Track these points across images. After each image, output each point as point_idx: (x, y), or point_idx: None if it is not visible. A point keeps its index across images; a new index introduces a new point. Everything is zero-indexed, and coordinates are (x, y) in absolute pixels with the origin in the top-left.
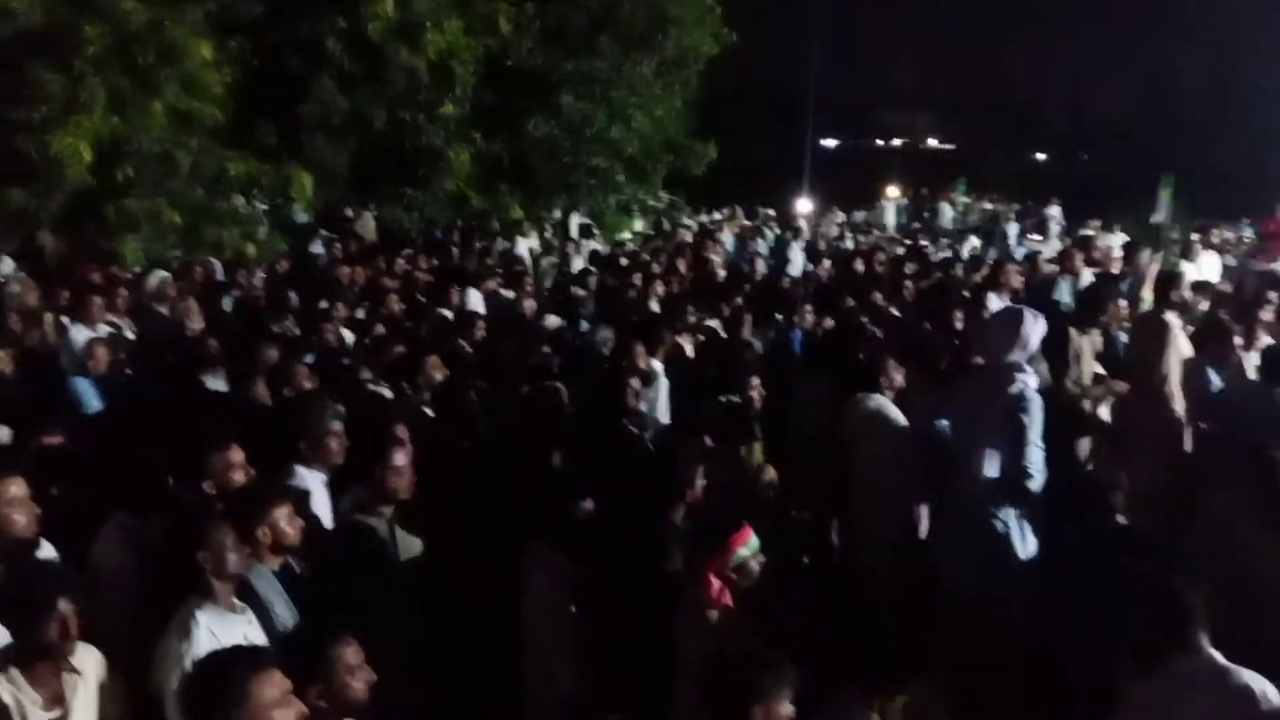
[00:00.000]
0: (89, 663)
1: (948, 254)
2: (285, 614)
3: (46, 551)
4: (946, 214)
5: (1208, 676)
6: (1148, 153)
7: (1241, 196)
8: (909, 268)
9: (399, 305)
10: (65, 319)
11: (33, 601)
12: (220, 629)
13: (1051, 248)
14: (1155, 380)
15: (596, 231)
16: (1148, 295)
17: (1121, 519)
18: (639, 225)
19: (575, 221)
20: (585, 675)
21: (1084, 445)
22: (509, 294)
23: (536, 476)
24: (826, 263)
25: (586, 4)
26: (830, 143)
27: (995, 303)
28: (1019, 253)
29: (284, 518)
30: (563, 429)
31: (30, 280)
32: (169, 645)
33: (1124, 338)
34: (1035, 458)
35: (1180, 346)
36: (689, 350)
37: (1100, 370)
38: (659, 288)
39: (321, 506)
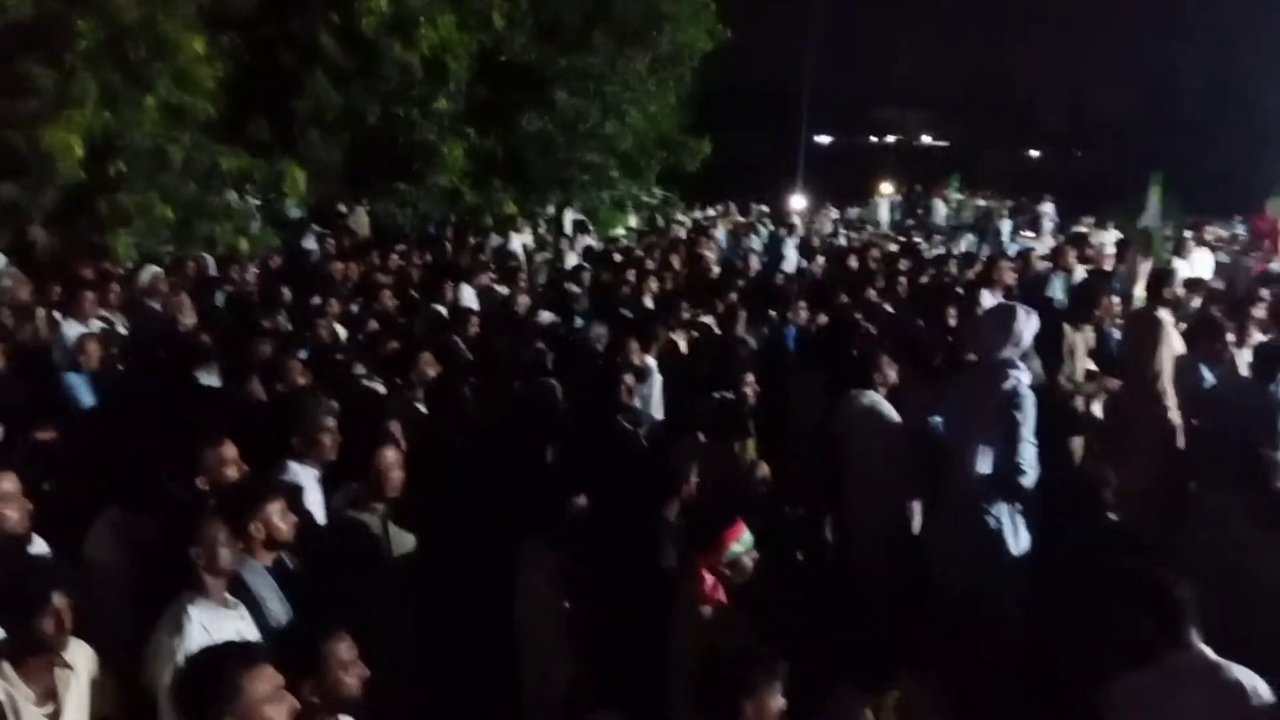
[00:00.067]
0: (80, 658)
1: (941, 251)
2: (278, 609)
3: (39, 547)
4: (940, 211)
5: (1199, 671)
6: (1143, 151)
7: (1237, 195)
8: (903, 264)
9: (392, 301)
10: (57, 314)
11: (26, 596)
12: (213, 624)
13: (1045, 244)
14: (1148, 377)
15: (590, 227)
16: (1140, 292)
17: (1112, 516)
18: (633, 221)
19: (569, 217)
20: (581, 672)
21: (1076, 442)
22: (503, 290)
23: (531, 473)
24: (820, 259)
25: None
26: (824, 139)
27: (988, 299)
28: (1012, 249)
29: (277, 513)
30: (557, 425)
31: (22, 275)
32: (161, 640)
33: (1117, 334)
34: (1028, 454)
35: (1173, 343)
36: (683, 347)
37: (1093, 367)
38: (653, 284)
39: (314, 502)
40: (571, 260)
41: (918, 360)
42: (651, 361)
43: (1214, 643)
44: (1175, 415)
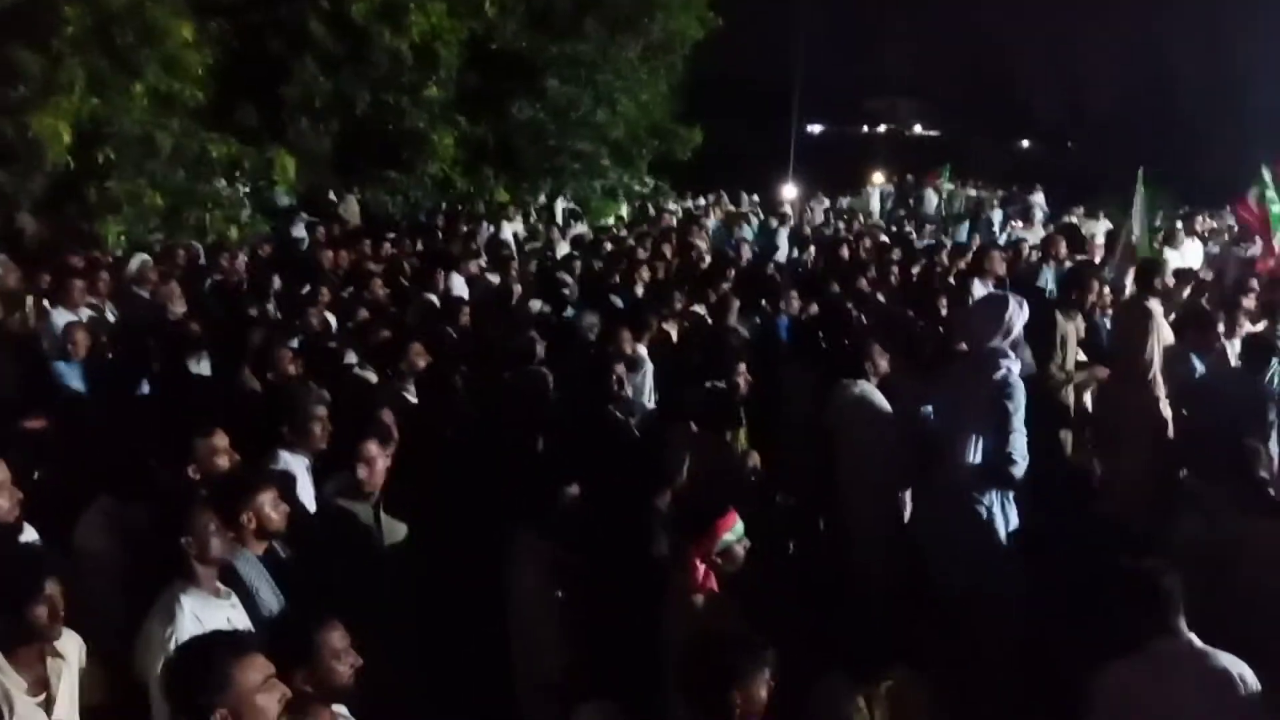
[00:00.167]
0: (71, 647)
1: (932, 241)
2: (270, 599)
3: (29, 535)
4: (931, 201)
5: (1187, 659)
6: (1134, 142)
7: (1228, 186)
8: (894, 254)
9: (383, 289)
10: (46, 302)
11: (18, 585)
12: (204, 614)
13: (1035, 235)
14: (1138, 367)
15: (582, 216)
16: (1130, 283)
17: (1098, 506)
18: (624, 210)
19: (560, 206)
20: (573, 661)
21: (1066, 433)
22: (494, 278)
23: (522, 462)
24: (812, 249)
25: None
26: (816, 128)
27: (979, 289)
28: (1002, 240)
29: (268, 503)
30: (548, 414)
31: (11, 263)
32: (152, 630)
33: (1108, 325)
34: (1019, 444)
35: (1163, 334)
36: (674, 336)
37: (1083, 357)
38: (644, 273)
39: (305, 491)
40: (563, 249)
41: (909, 350)
42: (643, 351)
43: (1201, 631)
44: (1165, 405)
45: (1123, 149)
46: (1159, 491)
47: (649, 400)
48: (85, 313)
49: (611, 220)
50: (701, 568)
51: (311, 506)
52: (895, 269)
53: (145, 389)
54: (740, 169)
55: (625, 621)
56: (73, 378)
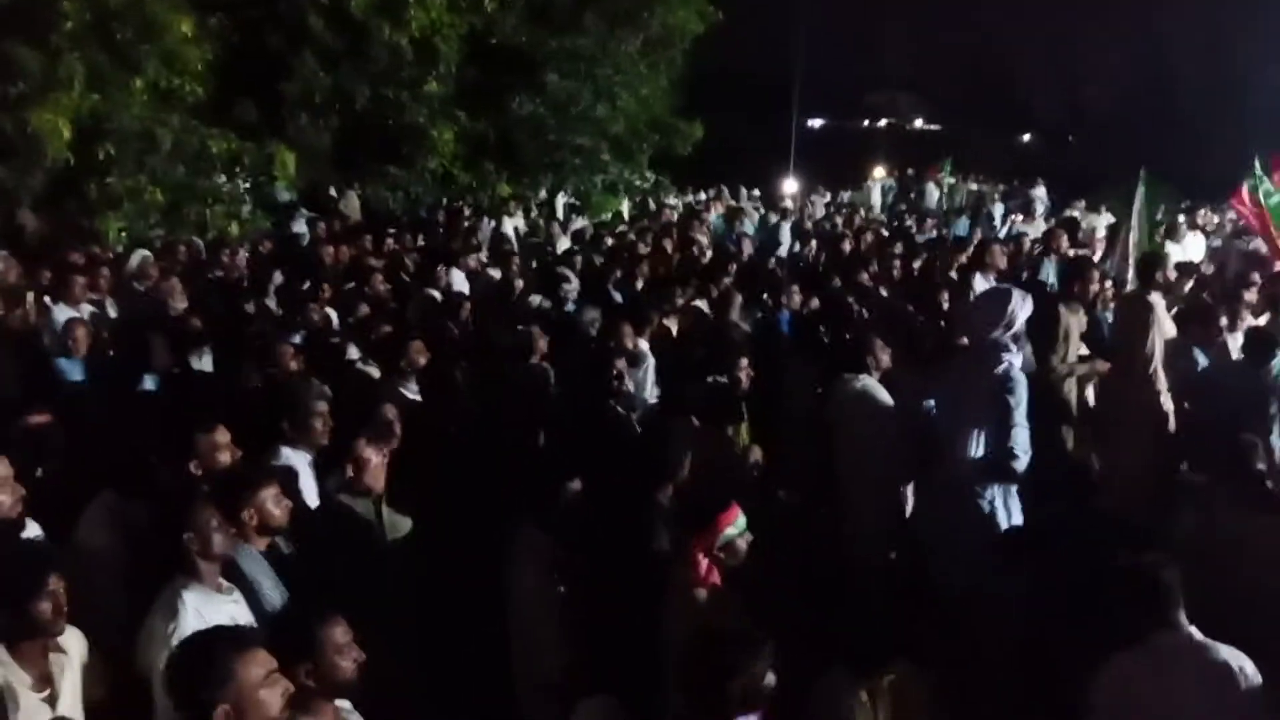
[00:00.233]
0: (73, 642)
1: (933, 235)
2: (273, 594)
3: (32, 531)
4: (932, 195)
5: (1187, 652)
6: (1135, 135)
7: (1230, 179)
8: (896, 248)
9: (384, 285)
10: (47, 298)
11: (22, 580)
12: (207, 609)
13: (1037, 229)
14: (1138, 361)
15: (583, 211)
16: (1131, 277)
17: (1098, 500)
18: (625, 207)
19: (561, 201)
20: (573, 657)
21: (1067, 427)
22: (495, 273)
23: (523, 458)
24: (813, 243)
25: None
26: (816, 123)
27: (980, 283)
28: (1003, 234)
29: (270, 499)
30: (549, 410)
31: (12, 259)
32: (155, 625)
33: (1109, 318)
34: (1021, 438)
35: (1164, 327)
36: (675, 331)
37: (1085, 351)
38: (645, 268)
39: (308, 487)
40: (563, 244)
41: (910, 344)
42: (644, 346)
43: (1201, 626)
44: (1166, 399)
45: (1123, 143)
46: (1159, 486)
47: (650, 395)
48: (86, 309)
49: (612, 215)
50: (704, 562)
51: (315, 502)
52: (896, 263)
53: (148, 385)
54: (741, 164)
55: (626, 618)
56: (74, 374)
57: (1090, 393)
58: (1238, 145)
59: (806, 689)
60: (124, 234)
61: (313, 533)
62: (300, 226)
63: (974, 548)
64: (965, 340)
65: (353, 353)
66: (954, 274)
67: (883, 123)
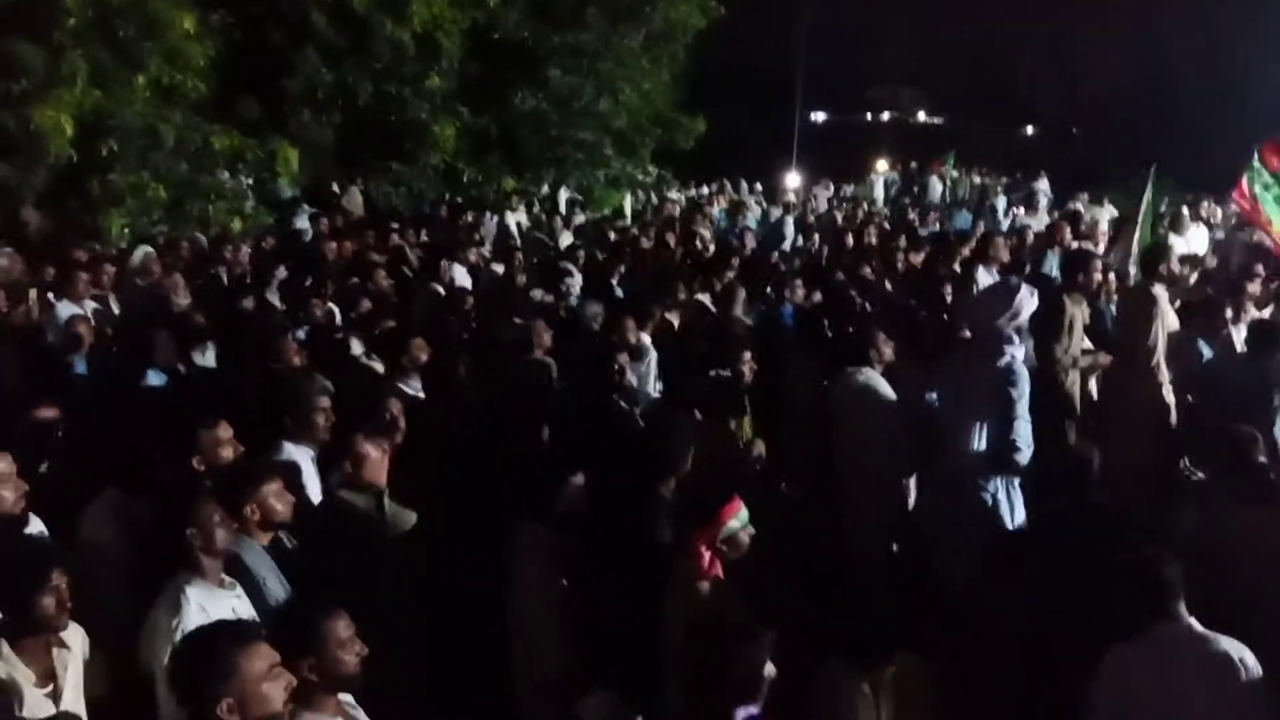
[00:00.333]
0: (75, 638)
1: (936, 228)
2: (277, 589)
3: (35, 527)
4: (936, 188)
5: (1188, 643)
6: (1137, 127)
7: (1232, 172)
8: (900, 242)
9: (387, 280)
10: (50, 295)
11: (25, 576)
12: (210, 604)
13: (1040, 221)
14: (1141, 354)
15: (585, 206)
16: (1135, 270)
17: (1095, 494)
18: (628, 202)
19: (564, 196)
20: (574, 651)
21: (1070, 420)
22: (498, 268)
23: (526, 453)
24: (816, 237)
25: None
26: (819, 117)
27: (984, 276)
28: (1006, 226)
29: (273, 494)
30: (552, 405)
31: (16, 255)
32: (158, 621)
33: (1113, 310)
34: (1023, 431)
35: (1167, 319)
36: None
37: (1088, 344)
38: (649, 262)
39: (310, 483)
40: (566, 239)
41: (913, 338)
42: (647, 340)
43: (1203, 618)
44: (1168, 392)
45: (1125, 135)
46: (1160, 480)
47: (653, 389)
48: (90, 305)
49: (613, 211)
50: (706, 555)
51: (317, 498)
52: (900, 256)
53: (151, 381)
54: (743, 158)
55: (629, 612)
56: (80, 370)
57: (1093, 385)
58: (1239, 138)
59: (808, 681)
60: (127, 230)
61: (314, 528)
62: (303, 222)
63: (976, 541)
64: (968, 333)
65: (356, 348)
66: (957, 267)
67: (885, 116)
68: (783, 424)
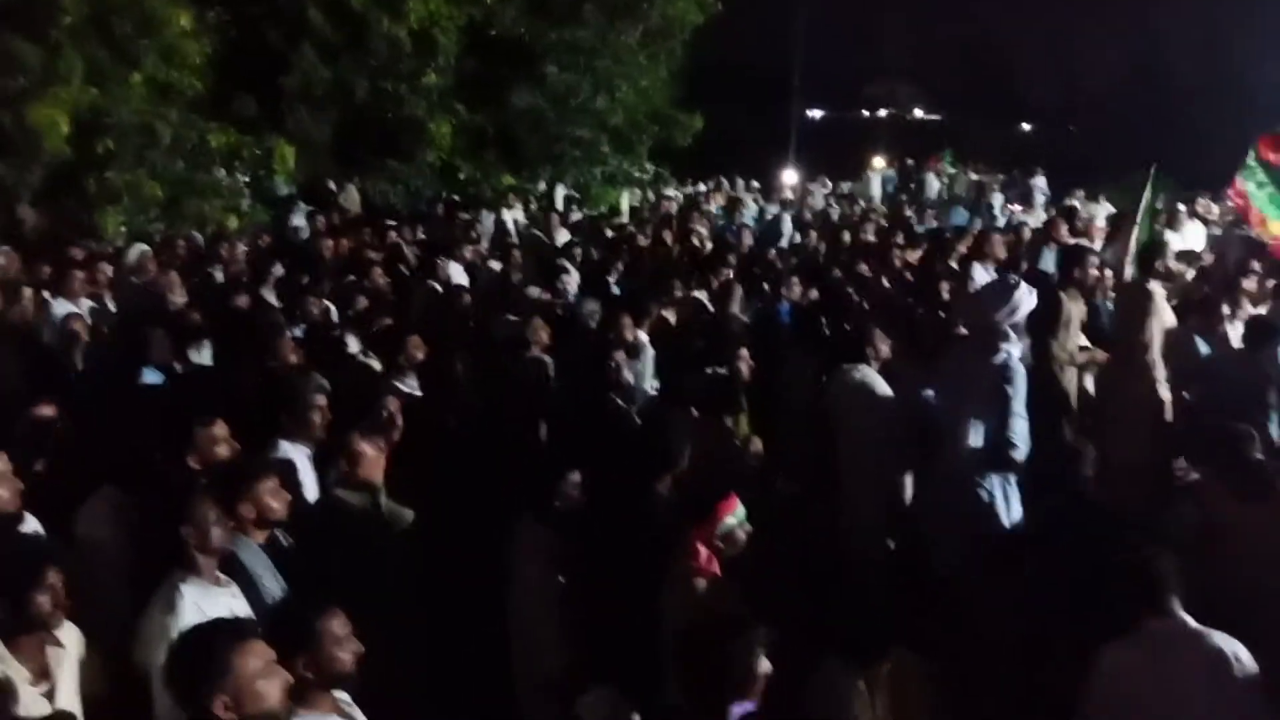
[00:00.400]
0: (70, 637)
1: (934, 225)
2: (273, 587)
3: (31, 525)
4: (933, 185)
5: (1182, 639)
6: (1134, 124)
7: (1229, 168)
8: (898, 238)
9: (383, 278)
10: (46, 293)
11: (21, 574)
12: (205, 603)
13: (1036, 218)
14: (1137, 351)
15: (582, 203)
16: (1132, 268)
17: (1090, 491)
18: (626, 199)
19: (560, 193)
20: (573, 648)
21: (1067, 417)
22: (496, 265)
23: (523, 451)
24: (814, 234)
25: None
26: (816, 114)
27: (980, 273)
28: (1002, 223)
29: (268, 492)
30: (549, 403)
31: (13, 253)
32: (154, 619)
33: (1109, 307)
34: (1019, 428)
35: (1163, 316)
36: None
37: (1084, 341)
38: (646, 259)
39: (307, 481)
40: (563, 236)
41: (910, 335)
42: (644, 337)
43: (1199, 615)
44: (1164, 389)
45: (1123, 132)
46: (1157, 476)
47: (650, 387)
48: (86, 304)
49: (609, 208)
50: (703, 552)
51: (314, 496)
52: (897, 254)
53: (147, 379)
54: (740, 155)
55: (627, 609)
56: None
57: (1090, 382)
58: (1236, 134)
59: (804, 678)
60: (123, 228)
61: (310, 526)
62: (299, 220)
63: (974, 537)
64: (964, 330)
65: (353, 345)
66: (954, 264)
67: (882, 113)
68: (780, 421)
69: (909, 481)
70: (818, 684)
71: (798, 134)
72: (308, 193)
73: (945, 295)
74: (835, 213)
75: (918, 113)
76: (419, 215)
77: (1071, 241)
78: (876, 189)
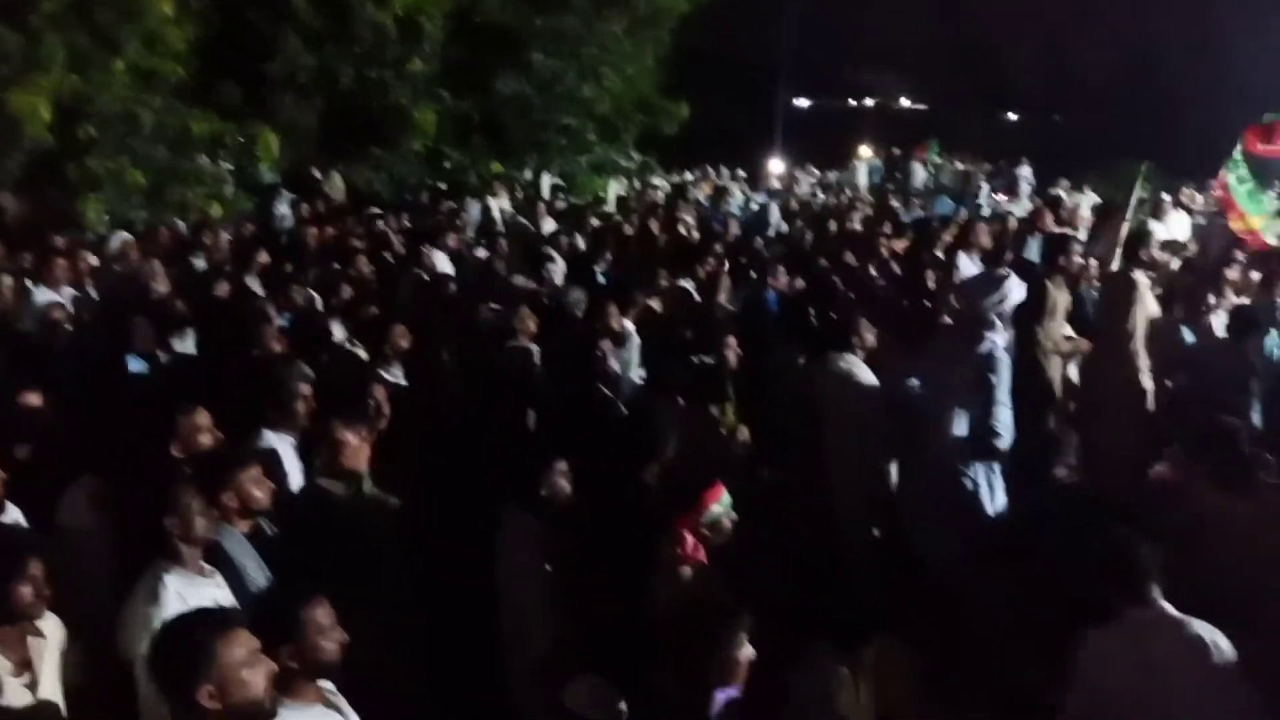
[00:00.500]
0: (51, 627)
1: (919, 214)
2: (257, 576)
3: (12, 515)
4: (919, 174)
5: (1162, 627)
6: (1122, 114)
7: (1215, 159)
8: (885, 228)
9: (368, 267)
10: (28, 282)
11: (1, 564)
12: (189, 593)
13: (1022, 207)
14: (1121, 339)
15: (568, 191)
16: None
17: (1070, 479)
18: (613, 188)
19: (546, 181)
20: (561, 636)
21: (1051, 405)
22: (482, 254)
23: (510, 440)
24: (799, 223)
25: None
26: (803, 103)
27: (965, 262)
28: (986, 213)
29: (250, 481)
30: (535, 391)
31: None
32: (137, 610)
33: (1094, 296)
34: (1003, 417)
35: (1148, 305)
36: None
37: (1069, 330)
38: (632, 249)
39: (291, 470)
40: (548, 225)
41: (896, 324)
42: (630, 326)
43: (1183, 606)
44: (1147, 378)
45: (1109, 122)
46: (1139, 464)
47: (636, 376)
48: (68, 292)
49: (593, 198)
50: (690, 539)
51: (298, 486)
52: (883, 243)
53: (131, 368)
54: (727, 144)
55: (614, 597)
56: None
57: (1074, 371)
58: (1224, 125)
59: (788, 664)
60: (105, 216)
61: (293, 515)
62: (283, 208)
63: (957, 525)
64: (949, 319)
65: (338, 333)
66: (939, 253)
67: (869, 102)
68: (766, 410)
69: (894, 470)
70: (803, 671)
71: (784, 123)
72: (292, 180)
73: (931, 284)
74: (818, 202)
75: (904, 102)
76: (404, 203)
77: (1056, 231)
78: (863, 178)
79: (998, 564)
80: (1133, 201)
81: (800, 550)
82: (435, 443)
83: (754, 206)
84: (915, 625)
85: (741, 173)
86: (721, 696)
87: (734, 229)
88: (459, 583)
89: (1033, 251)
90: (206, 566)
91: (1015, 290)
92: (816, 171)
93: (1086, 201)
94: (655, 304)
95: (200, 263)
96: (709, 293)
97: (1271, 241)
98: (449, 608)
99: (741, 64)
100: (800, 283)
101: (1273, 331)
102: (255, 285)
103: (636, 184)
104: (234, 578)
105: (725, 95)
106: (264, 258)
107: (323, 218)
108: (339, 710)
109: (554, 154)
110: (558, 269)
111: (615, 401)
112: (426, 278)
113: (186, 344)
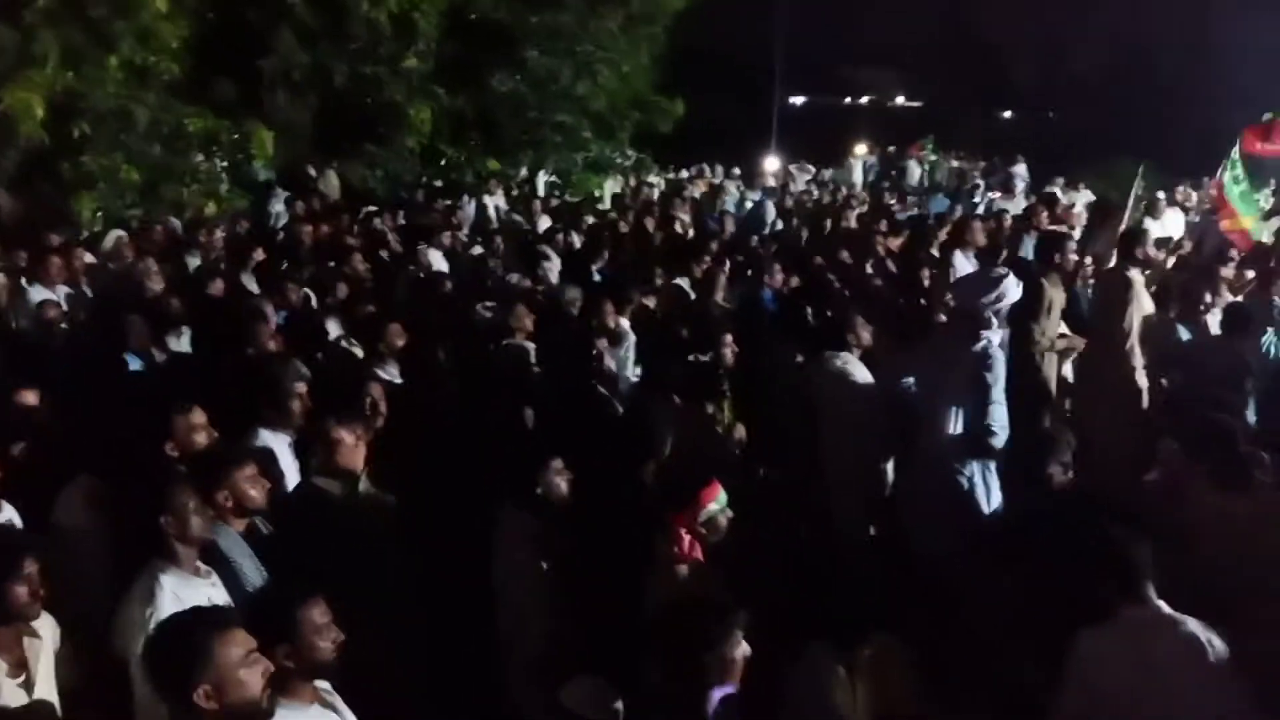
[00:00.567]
0: (46, 628)
1: (915, 212)
2: (254, 575)
3: (7, 514)
4: (914, 172)
5: (1158, 625)
6: (1117, 112)
7: (1210, 157)
8: (881, 225)
9: (364, 264)
10: (23, 279)
11: None
12: (184, 593)
13: (1017, 205)
14: (1116, 337)
15: (563, 189)
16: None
17: (1066, 476)
18: (609, 185)
19: (542, 179)
20: (558, 634)
21: (1046, 403)
22: (477, 251)
23: (506, 439)
24: (795, 221)
25: None
26: (798, 100)
27: (961, 260)
28: (982, 210)
29: (245, 480)
30: (531, 389)
31: None
32: (133, 610)
33: (1089, 294)
34: (998, 415)
35: (1142, 303)
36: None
37: (1064, 329)
38: (628, 247)
39: (287, 468)
40: (544, 223)
41: (891, 322)
42: (626, 324)
43: (1179, 605)
44: (1141, 376)
45: (1104, 120)
46: (1136, 463)
47: (632, 374)
48: (62, 290)
49: (585, 197)
50: (686, 538)
51: (295, 483)
52: (879, 240)
53: (129, 366)
54: (722, 141)
55: (610, 595)
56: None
57: (1069, 368)
58: (1219, 124)
59: (785, 663)
60: (99, 214)
61: (288, 514)
62: (278, 206)
63: (953, 523)
64: (944, 317)
65: (334, 330)
66: (934, 251)
67: (864, 100)
68: (762, 408)
69: (890, 468)
70: (799, 669)
71: (780, 120)
72: (287, 178)
73: (926, 282)
74: (812, 199)
75: (900, 100)
76: (399, 201)
77: (1051, 228)
78: (858, 176)
79: (994, 563)
80: (1130, 200)
81: (797, 548)
82: (431, 441)
83: (750, 205)
84: (912, 624)
85: (737, 170)
86: (718, 695)
87: (730, 227)
88: (456, 582)
89: (1028, 249)
90: (202, 566)
91: (1013, 289)
92: (812, 169)
93: (1081, 199)
94: (651, 302)
95: (195, 260)
96: (705, 291)
97: (1263, 241)
98: (446, 607)
99: (737, 61)
100: (796, 281)
101: (1269, 330)
102: (250, 283)
103: (632, 181)
104: (230, 577)
105: (721, 93)
106: (259, 255)
107: (318, 215)
108: (335, 710)
109: (549, 151)
110: (553, 267)
111: (611, 400)
112: (422, 276)
113: (181, 342)
